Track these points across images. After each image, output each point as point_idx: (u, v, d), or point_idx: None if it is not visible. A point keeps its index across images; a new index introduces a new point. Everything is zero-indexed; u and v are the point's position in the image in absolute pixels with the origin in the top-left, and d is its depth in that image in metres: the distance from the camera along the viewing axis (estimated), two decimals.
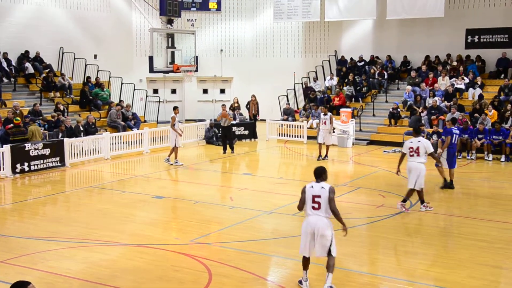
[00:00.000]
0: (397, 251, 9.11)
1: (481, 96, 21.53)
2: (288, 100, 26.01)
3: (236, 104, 24.58)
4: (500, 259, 8.83)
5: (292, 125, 23.42)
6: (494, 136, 18.70)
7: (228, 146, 19.98)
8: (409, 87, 23.38)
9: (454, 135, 13.81)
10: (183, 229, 10.65)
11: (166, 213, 12.12)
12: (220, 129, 20.61)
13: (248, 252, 9.14)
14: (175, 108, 18.18)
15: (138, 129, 21.12)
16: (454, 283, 7.77)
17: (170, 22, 22.11)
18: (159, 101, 25.55)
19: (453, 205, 12.62)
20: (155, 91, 28.86)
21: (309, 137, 22.66)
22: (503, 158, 18.24)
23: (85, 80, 23.65)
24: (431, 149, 11.54)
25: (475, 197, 13.43)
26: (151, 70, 21.46)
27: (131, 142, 20.04)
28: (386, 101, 24.20)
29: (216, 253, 9.13)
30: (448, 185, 13.84)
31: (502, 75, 23.28)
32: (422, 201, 11.71)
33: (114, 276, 8.11)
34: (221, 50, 29.91)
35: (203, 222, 11.10)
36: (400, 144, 20.45)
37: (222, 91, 30.60)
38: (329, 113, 18.76)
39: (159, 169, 17.15)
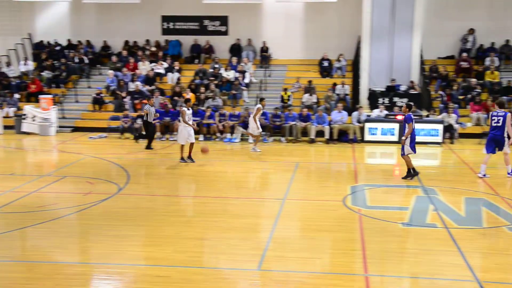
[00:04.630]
0: (108, 236, 9.06)
1: (179, 80, 22.87)
2: None
3: None
4: (202, 231, 9.53)
5: None
6: (192, 118, 20.00)
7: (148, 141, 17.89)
8: (111, 72, 23.39)
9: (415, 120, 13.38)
10: None
11: None
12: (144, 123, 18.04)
13: None
14: (262, 100, 17.82)
15: None
16: (162, 259, 8.11)
17: None
18: None
19: (159, 185, 13.11)
20: None
21: (5, 127, 20.84)
22: (201, 138, 19.69)
23: None
24: None
25: (179, 176, 14.18)
26: None
27: None
28: (89, 87, 23.77)
29: None
30: (416, 173, 13.35)
31: (197, 60, 25.07)
32: None
33: None
34: None
35: None
36: (105, 130, 20.42)
37: None
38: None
39: None
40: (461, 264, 7.88)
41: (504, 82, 21.98)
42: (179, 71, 23.91)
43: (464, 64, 23.16)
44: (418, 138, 18.71)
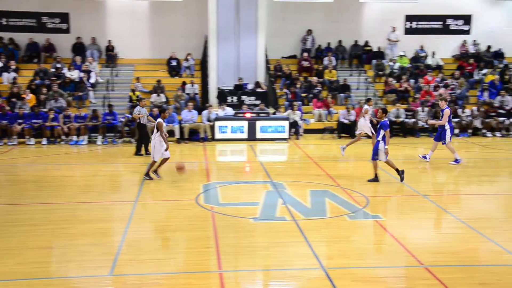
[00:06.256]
0: None
1: (15, 80, 21.36)
2: None
3: None
4: (48, 239, 8.98)
5: None
6: (34, 120, 18.81)
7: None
8: None
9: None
10: None
11: None
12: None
13: None
14: (368, 100, 17.13)
15: None
16: (3, 273, 7.50)
17: None
18: None
19: None
20: None
21: None
22: (44, 141, 18.57)
23: None
24: None
25: (21, 183, 13.25)
26: None
27: None
28: None
29: None
30: (401, 173, 12.78)
31: (36, 60, 23.57)
32: None
33: None
34: None
35: None
36: None
37: None
38: None
39: None
40: (308, 254, 8.30)
41: (341, 80, 23.60)
42: (15, 70, 22.30)
43: (305, 63, 24.50)
44: (265, 135, 19.57)
